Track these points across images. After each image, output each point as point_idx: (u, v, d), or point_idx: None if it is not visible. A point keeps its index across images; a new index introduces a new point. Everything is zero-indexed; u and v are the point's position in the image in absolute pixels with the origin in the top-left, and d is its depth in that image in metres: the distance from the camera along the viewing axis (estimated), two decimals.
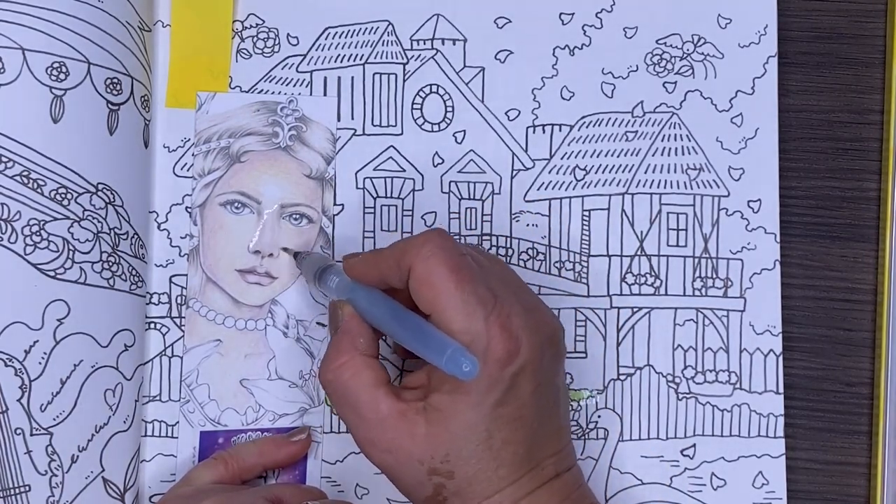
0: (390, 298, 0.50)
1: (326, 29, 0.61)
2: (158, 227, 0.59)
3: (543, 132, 0.61)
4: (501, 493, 0.49)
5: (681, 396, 0.60)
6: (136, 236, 0.57)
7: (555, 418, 0.50)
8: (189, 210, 0.59)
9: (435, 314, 0.48)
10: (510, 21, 0.61)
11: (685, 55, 0.61)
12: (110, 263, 0.56)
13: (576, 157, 0.61)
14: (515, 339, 0.48)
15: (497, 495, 0.48)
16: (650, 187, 0.61)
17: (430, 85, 0.61)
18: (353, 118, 0.60)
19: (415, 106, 0.61)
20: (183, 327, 0.58)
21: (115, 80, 0.56)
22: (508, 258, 0.60)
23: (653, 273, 0.61)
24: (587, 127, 0.61)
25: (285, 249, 0.59)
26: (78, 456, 0.54)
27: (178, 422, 0.58)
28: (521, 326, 0.48)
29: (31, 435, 0.53)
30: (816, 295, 0.61)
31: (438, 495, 0.49)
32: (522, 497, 0.49)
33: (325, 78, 0.60)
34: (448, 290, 0.47)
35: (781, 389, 0.60)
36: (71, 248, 0.54)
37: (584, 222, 0.61)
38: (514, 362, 0.48)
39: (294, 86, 0.60)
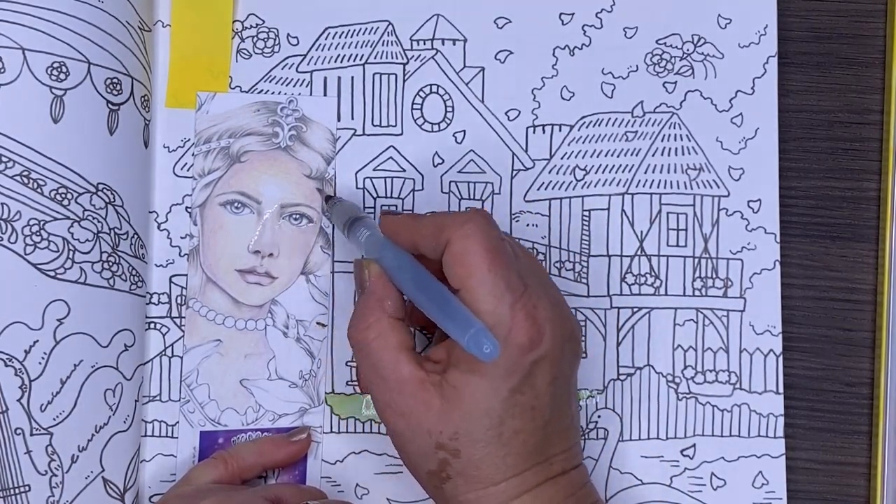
0: (420, 265, 0.50)
1: (326, 29, 0.61)
2: (158, 227, 0.59)
3: (543, 132, 0.61)
4: (507, 483, 0.49)
5: (681, 396, 0.60)
6: (136, 236, 0.57)
7: (567, 415, 0.51)
8: (189, 210, 0.59)
9: (464, 291, 0.48)
10: (510, 21, 0.61)
11: (685, 55, 0.61)
12: (110, 263, 0.56)
13: (576, 157, 0.61)
14: (539, 328, 0.48)
15: (503, 484, 0.48)
16: (650, 187, 0.61)
17: (430, 85, 0.61)
18: (353, 118, 0.60)
19: (415, 106, 0.61)
20: (183, 327, 0.58)
21: (116, 80, 0.56)
22: None
23: (653, 273, 0.61)
24: (587, 127, 0.61)
25: (319, 190, 0.59)
26: (78, 456, 0.54)
27: (178, 422, 0.58)
28: (547, 318, 0.48)
29: (31, 435, 0.53)
30: (816, 295, 0.61)
31: (442, 472, 0.49)
32: (528, 490, 0.49)
33: (325, 78, 0.60)
34: (481, 271, 0.48)
35: (781, 389, 0.60)
36: (71, 248, 0.54)
37: (584, 222, 0.61)
38: (535, 350, 0.48)
39: (294, 86, 0.60)
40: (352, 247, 0.57)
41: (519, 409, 0.48)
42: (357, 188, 0.60)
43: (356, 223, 0.54)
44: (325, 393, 0.59)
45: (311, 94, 0.60)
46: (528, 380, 0.48)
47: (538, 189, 0.61)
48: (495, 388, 0.48)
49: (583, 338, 0.52)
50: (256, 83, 0.60)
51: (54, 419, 0.54)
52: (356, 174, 0.60)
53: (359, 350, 0.51)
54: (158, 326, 0.58)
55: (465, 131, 0.61)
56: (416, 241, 0.51)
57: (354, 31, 0.61)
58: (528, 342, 0.48)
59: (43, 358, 0.53)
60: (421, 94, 0.61)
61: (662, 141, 0.61)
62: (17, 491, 0.53)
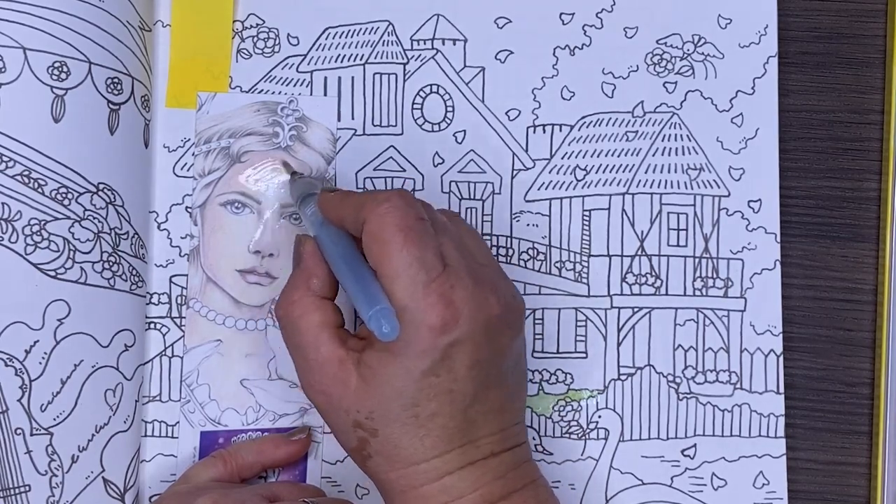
0: (352, 245, 0.50)
1: (326, 29, 0.61)
2: (158, 227, 0.59)
3: (544, 132, 0.61)
4: (428, 464, 0.48)
5: (681, 396, 0.60)
6: (136, 236, 0.57)
7: (496, 397, 0.49)
8: (189, 210, 0.59)
9: (379, 272, 0.48)
10: (510, 21, 0.61)
11: (685, 55, 0.61)
12: (111, 263, 0.56)
13: (576, 157, 0.61)
14: (455, 310, 0.47)
15: (424, 464, 0.48)
16: (650, 187, 0.61)
17: (431, 85, 0.61)
18: (353, 118, 0.60)
19: (415, 106, 0.61)
20: (183, 327, 0.58)
21: (116, 80, 0.56)
22: (508, 258, 0.60)
23: (653, 273, 0.61)
24: (587, 127, 0.61)
25: (285, 164, 0.59)
26: (78, 456, 0.54)
27: (178, 422, 0.58)
28: (465, 299, 0.47)
29: (32, 435, 0.53)
30: (816, 295, 0.61)
31: (363, 450, 0.49)
32: (450, 472, 0.48)
33: (326, 78, 0.60)
34: (394, 251, 0.47)
35: (782, 389, 0.60)
36: (71, 247, 0.54)
37: (585, 222, 0.61)
38: (449, 333, 0.47)
39: (294, 86, 0.60)
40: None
41: (434, 392, 0.47)
42: (357, 188, 0.60)
43: (307, 198, 0.54)
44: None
45: (311, 94, 0.60)
46: (443, 363, 0.47)
47: (538, 189, 0.61)
48: (407, 370, 0.47)
49: (519, 315, 0.51)
50: (257, 83, 0.60)
51: (54, 419, 0.54)
52: (356, 174, 0.60)
53: (283, 326, 0.51)
54: (159, 326, 0.58)
55: (465, 131, 0.61)
56: (341, 218, 0.51)
57: (354, 31, 0.61)
58: (441, 324, 0.47)
59: (43, 358, 0.53)
60: (421, 94, 0.61)
61: (663, 141, 0.61)
62: (17, 491, 0.53)
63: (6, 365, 0.53)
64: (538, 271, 0.60)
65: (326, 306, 0.50)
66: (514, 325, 0.50)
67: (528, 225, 0.61)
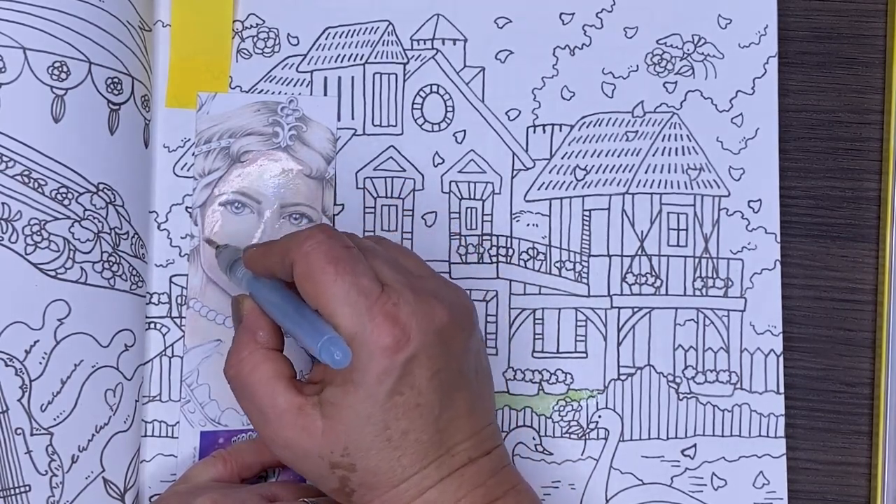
0: (287, 291, 0.50)
1: (326, 29, 0.61)
2: (158, 227, 0.59)
3: (544, 132, 0.61)
4: (408, 482, 0.48)
5: (681, 396, 0.60)
6: (136, 236, 0.57)
7: (462, 402, 0.49)
8: (189, 210, 0.59)
9: (320, 308, 0.47)
10: (510, 21, 0.61)
11: (685, 55, 0.61)
12: (111, 263, 0.56)
13: (576, 157, 0.61)
14: (402, 326, 0.47)
15: (403, 484, 0.48)
16: (650, 187, 0.61)
17: (431, 85, 0.61)
18: (353, 118, 0.60)
19: (415, 106, 0.61)
20: (183, 327, 0.58)
21: (116, 80, 0.56)
22: (508, 258, 0.60)
23: (653, 273, 0.61)
24: (587, 127, 0.61)
25: (209, 241, 0.58)
26: (78, 456, 0.54)
27: (178, 422, 0.58)
28: (410, 313, 0.47)
29: (32, 435, 0.53)
30: (816, 295, 0.61)
31: (345, 487, 0.49)
32: (431, 486, 0.48)
33: (326, 78, 0.60)
34: (328, 283, 0.47)
35: (782, 389, 0.60)
36: (71, 247, 0.54)
37: (585, 222, 0.61)
38: (403, 350, 0.47)
39: (294, 86, 0.60)
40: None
41: (402, 410, 0.47)
42: (357, 188, 0.60)
43: (235, 264, 0.54)
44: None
45: (311, 94, 0.60)
46: (404, 380, 0.47)
47: (538, 189, 0.61)
48: (371, 395, 0.47)
49: (468, 314, 0.50)
50: (257, 83, 0.60)
51: (55, 419, 0.54)
52: (356, 174, 0.60)
53: (235, 386, 0.50)
54: (159, 326, 0.58)
55: (465, 131, 0.61)
56: (270, 269, 0.50)
57: (354, 31, 0.61)
58: (394, 343, 0.46)
59: (43, 358, 0.53)
60: (421, 93, 0.61)
61: (663, 141, 0.61)
62: (17, 491, 0.53)
63: (6, 365, 0.53)
64: (538, 271, 0.60)
65: (276, 357, 0.50)
66: (466, 327, 0.50)
67: (528, 225, 0.61)
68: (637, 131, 0.61)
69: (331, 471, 0.48)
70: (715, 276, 0.61)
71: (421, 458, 0.48)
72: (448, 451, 0.48)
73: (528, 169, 0.61)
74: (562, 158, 0.61)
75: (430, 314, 0.48)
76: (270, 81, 0.60)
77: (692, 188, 0.61)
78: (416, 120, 0.61)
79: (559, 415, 0.60)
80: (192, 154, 0.59)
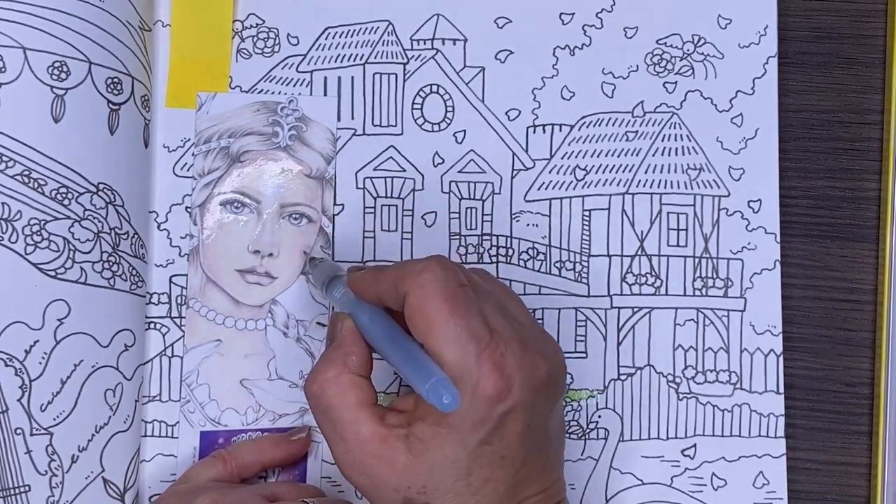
0: (391, 320, 0.50)
1: (326, 29, 0.61)
2: (158, 227, 0.59)
3: (544, 132, 0.61)
4: None
5: (681, 396, 0.60)
6: (136, 236, 0.57)
7: (542, 457, 0.49)
8: (189, 210, 0.59)
9: (427, 344, 0.47)
10: (510, 21, 0.61)
11: (685, 55, 0.62)
12: (111, 263, 0.56)
13: (576, 157, 0.61)
14: (507, 378, 0.46)
15: None
16: (650, 187, 0.61)
17: (431, 85, 0.61)
18: (353, 118, 0.60)
19: (415, 106, 0.61)
20: (183, 327, 0.58)
21: (116, 80, 0.56)
22: (508, 258, 0.60)
23: (653, 273, 0.61)
24: (587, 127, 0.61)
25: (305, 253, 0.59)
26: (78, 456, 0.54)
27: (178, 422, 0.58)
28: (516, 366, 0.47)
29: (32, 435, 0.53)
30: (816, 295, 0.61)
31: None
32: None
33: (326, 78, 0.60)
34: (441, 322, 0.46)
35: (782, 389, 0.60)
36: (71, 247, 0.54)
37: (585, 222, 0.61)
38: (504, 401, 0.46)
39: (294, 86, 0.60)
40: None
41: (487, 459, 0.47)
42: (357, 188, 0.60)
43: (333, 281, 0.54)
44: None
45: (311, 94, 0.60)
46: (497, 431, 0.47)
47: (538, 189, 0.61)
48: (462, 441, 0.46)
49: (562, 372, 0.50)
50: (256, 83, 0.60)
51: (54, 419, 0.54)
52: (356, 174, 0.60)
53: (316, 404, 0.49)
54: (158, 326, 0.58)
55: (465, 131, 0.61)
56: (379, 295, 0.50)
57: (354, 31, 0.61)
58: (497, 393, 0.46)
59: (43, 358, 0.53)
60: (421, 93, 0.61)
61: (663, 141, 0.61)
62: (17, 491, 0.53)
63: (6, 365, 0.53)
64: (538, 271, 0.60)
65: (364, 385, 0.49)
66: (559, 386, 0.50)
67: (528, 225, 0.61)
68: (637, 131, 0.61)
69: None
70: (715, 276, 0.61)
71: None
72: (520, 502, 0.48)
73: (528, 169, 0.61)
74: (562, 158, 0.61)
75: (532, 370, 0.47)
76: (270, 81, 0.60)
77: (692, 188, 0.61)
78: (416, 120, 0.61)
79: None
80: (192, 154, 0.59)
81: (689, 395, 0.60)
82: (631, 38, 0.62)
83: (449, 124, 0.61)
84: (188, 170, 0.59)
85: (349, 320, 0.51)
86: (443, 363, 0.46)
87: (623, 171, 0.61)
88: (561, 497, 0.51)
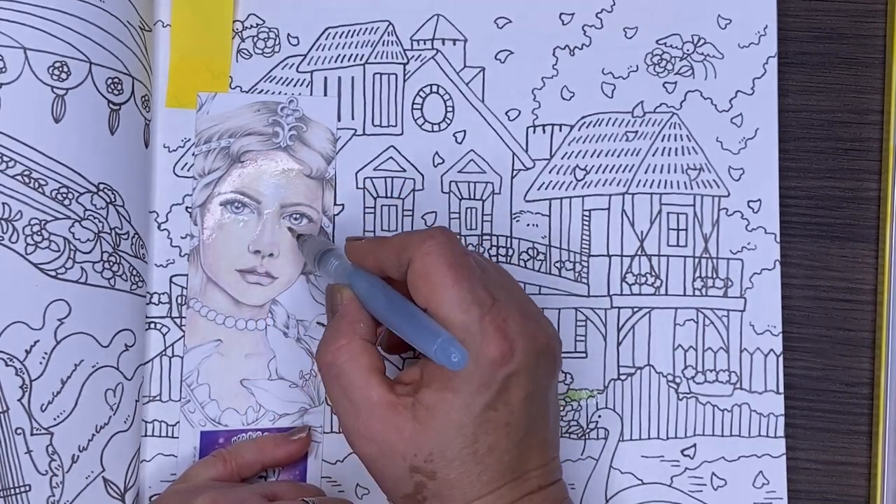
0: (389, 286, 0.50)
1: (327, 29, 0.61)
2: (159, 227, 0.59)
3: (543, 132, 0.61)
4: (482, 500, 0.48)
5: (681, 396, 0.60)
6: (136, 236, 0.57)
7: (543, 430, 0.50)
8: (189, 210, 0.59)
9: (431, 309, 0.48)
10: (510, 21, 0.61)
11: (685, 55, 0.62)
12: (111, 263, 0.56)
13: (576, 157, 0.61)
14: (510, 341, 0.47)
15: (477, 501, 0.48)
16: (650, 187, 0.61)
17: (431, 85, 0.61)
18: (353, 118, 0.60)
19: (415, 106, 0.61)
20: (183, 327, 0.58)
21: (117, 80, 0.56)
22: (508, 258, 0.60)
23: (653, 273, 0.61)
24: (587, 127, 0.61)
25: (290, 229, 0.59)
26: (78, 456, 0.54)
27: (178, 422, 0.58)
28: (518, 331, 0.48)
29: (32, 435, 0.53)
30: (816, 295, 0.61)
31: (418, 494, 0.48)
32: None
33: (326, 78, 0.61)
34: (445, 286, 0.47)
35: (782, 389, 0.60)
36: (72, 247, 0.54)
37: (585, 222, 0.61)
38: (507, 364, 0.47)
39: (294, 86, 0.60)
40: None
41: (493, 426, 0.47)
42: (357, 188, 0.60)
43: (325, 255, 0.54)
44: (326, 393, 0.59)
45: (311, 94, 0.60)
46: (501, 395, 0.47)
47: (538, 189, 0.61)
48: (468, 405, 0.47)
49: (560, 348, 0.51)
50: (257, 83, 0.60)
51: (55, 419, 0.54)
52: (356, 174, 0.60)
53: (328, 372, 0.50)
54: (159, 326, 0.58)
55: (465, 131, 0.61)
56: (380, 263, 0.50)
57: (354, 31, 0.61)
58: (500, 356, 0.47)
59: (44, 358, 0.53)
60: (421, 94, 0.61)
61: (662, 141, 0.61)
62: (17, 491, 0.53)
63: (7, 365, 0.53)
64: (538, 271, 0.60)
65: (373, 351, 0.50)
66: (557, 358, 0.51)
67: (528, 225, 0.61)
68: (637, 131, 0.61)
69: (409, 474, 0.48)
70: (715, 276, 0.61)
71: (499, 478, 0.48)
72: (522, 475, 0.49)
73: (528, 169, 0.61)
74: (562, 158, 0.61)
75: (534, 335, 0.48)
76: (270, 81, 0.60)
77: (692, 188, 0.61)
78: (416, 120, 0.61)
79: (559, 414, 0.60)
80: (192, 154, 0.59)
81: (688, 395, 0.60)
82: (631, 38, 0.62)
83: (449, 124, 0.61)
84: (188, 170, 0.59)
85: (347, 290, 0.51)
86: (448, 326, 0.47)
87: (623, 171, 0.61)
88: (558, 477, 0.51)
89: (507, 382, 0.47)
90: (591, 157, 0.61)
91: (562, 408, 0.60)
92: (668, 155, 0.61)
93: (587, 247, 0.61)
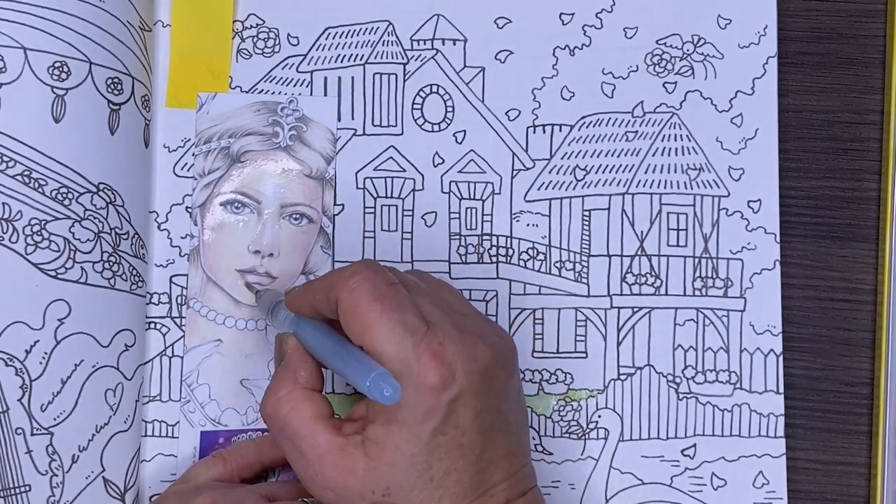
0: (331, 330, 0.50)
1: (327, 29, 0.61)
2: (159, 227, 0.59)
3: (543, 132, 0.61)
4: None
5: (681, 396, 0.60)
6: (136, 236, 0.57)
7: (503, 442, 0.49)
8: (189, 210, 0.59)
9: (365, 344, 0.47)
10: (510, 21, 0.61)
11: (685, 55, 0.62)
12: (111, 263, 0.56)
13: (576, 157, 0.61)
14: (448, 365, 0.47)
15: None
16: (650, 187, 0.61)
17: (431, 85, 0.61)
18: (353, 118, 0.60)
19: (415, 106, 0.61)
20: (183, 327, 0.58)
21: (117, 80, 0.56)
22: (508, 258, 0.60)
23: (653, 273, 0.61)
24: (587, 127, 0.61)
25: (248, 286, 0.59)
26: (78, 456, 0.54)
27: (178, 422, 0.58)
28: (456, 353, 0.47)
29: (32, 435, 0.53)
30: (816, 295, 0.61)
31: None
32: None
33: (326, 78, 0.61)
34: (374, 320, 0.47)
35: (782, 389, 0.60)
36: (72, 247, 0.54)
37: (585, 222, 0.61)
38: (449, 388, 0.46)
39: (294, 86, 0.60)
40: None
41: (444, 450, 0.47)
42: (357, 188, 0.60)
43: (276, 306, 0.54)
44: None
45: (311, 94, 0.60)
46: (449, 419, 0.47)
47: (538, 189, 0.61)
48: (415, 435, 0.47)
49: (511, 356, 0.50)
50: (257, 83, 0.60)
51: (55, 419, 0.54)
52: (356, 174, 0.60)
53: (272, 424, 0.50)
54: (159, 326, 0.58)
55: (465, 131, 0.61)
56: (313, 306, 0.50)
57: (354, 31, 0.61)
58: (440, 382, 0.46)
59: (44, 358, 0.53)
60: (421, 94, 0.61)
61: (662, 141, 0.61)
62: (17, 491, 0.53)
63: (6, 365, 0.53)
64: (538, 271, 0.60)
65: (316, 398, 0.50)
66: (508, 367, 0.50)
67: (528, 225, 0.61)
68: (637, 131, 0.61)
69: None
70: (715, 276, 0.61)
71: (461, 499, 0.47)
72: (486, 491, 0.48)
73: (528, 169, 0.61)
74: (562, 158, 0.61)
75: (474, 354, 0.48)
76: (270, 81, 0.60)
77: (692, 188, 0.61)
78: (416, 120, 0.61)
79: (559, 415, 0.60)
80: (192, 154, 0.59)
81: (688, 395, 0.60)
82: (631, 38, 0.62)
83: (449, 124, 0.61)
84: (188, 170, 0.59)
85: (292, 338, 0.52)
86: (382, 360, 0.47)
87: (623, 171, 0.61)
88: (531, 484, 0.51)
89: (453, 406, 0.47)
90: (591, 157, 0.61)
91: (562, 408, 0.60)
92: (668, 155, 0.61)
93: (587, 247, 0.61)
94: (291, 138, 0.60)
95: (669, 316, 0.60)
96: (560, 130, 0.61)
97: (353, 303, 0.48)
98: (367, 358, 0.47)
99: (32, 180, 0.53)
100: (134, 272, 0.57)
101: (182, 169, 0.59)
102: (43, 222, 0.54)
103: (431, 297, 0.50)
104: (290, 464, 0.50)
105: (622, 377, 0.60)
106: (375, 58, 0.61)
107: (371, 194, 0.60)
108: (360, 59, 0.61)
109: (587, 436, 0.60)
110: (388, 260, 0.60)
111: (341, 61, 0.61)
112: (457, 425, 0.47)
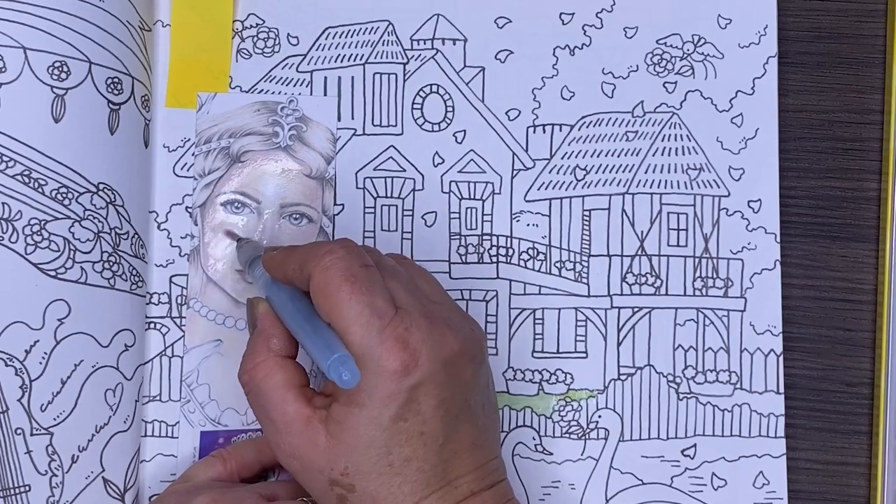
0: (303, 301, 0.50)
1: (326, 29, 0.61)
2: (158, 227, 0.59)
3: (544, 132, 0.61)
4: None
5: (681, 396, 0.60)
6: (136, 236, 0.57)
7: (468, 434, 0.49)
8: (189, 210, 0.59)
9: (333, 323, 0.47)
10: (510, 21, 0.61)
11: (685, 55, 0.62)
12: (111, 263, 0.56)
13: (576, 156, 0.61)
14: (412, 351, 0.46)
15: None
16: (650, 187, 0.61)
17: (431, 85, 0.61)
18: (353, 118, 0.60)
19: (415, 106, 0.61)
20: (183, 327, 0.58)
21: (116, 80, 0.56)
22: (508, 258, 0.60)
23: (653, 273, 0.61)
24: (587, 127, 0.61)
25: (229, 233, 0.58)
26: (78, 456, 0.54)
27: (178, 422, 0.58)
28: (421, 339, 0.47)
29: (32, 435, 0.53)
30: (816, 295, 0.61)
31: None
32: None
33: (326, 78, 0.61)
34: (343, 301, 0.47)
35: (782, 389, 0.60)
36: (72, 247, 0.54)
37: (585, 222, 0.61)
38: (410, 375, 0.46)
39: (294, 86, 0.60)
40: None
41: (405, 437, 0.47)
42: (357, 188, 0.60)
43: (255, 262, 0.54)
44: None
45: (311, 94, 0.60)
46: (410, 406, 0.47)
47: (538, 189, 0.61)
48: (374, 418, 0.47)
49: (479, 349, 0.50)
50: (257, 83, 0.60)
51: (55, 419, 0.54)
52: (356, 174, 0.60)
53: (248, 391, 0.50)
54: (158, 326, 0.58)
55: (465, 131, 0.61)
56: (288, 276, 0.50)
57: (354, 31, 0.61)
58: (402, 367, 0.46)
59: (43, 358, 0.53)
60: (421, 93, 0.61)
61: (663, 141, 0.61)
62: (17, 491, 0.53)
63: (6, 365, 0.53)
64: (538, 271, 0.60)
65: (289, 365, 0.50)
66: (476, 359, 0.50)
67: (528, 225, 0.61)
68: (637, 131, 0.61)
69: (329, 488, 0.48)
70: (715, 276, 0.61)
71: (422, 488, 0.47)
72: (450, 482, 0.48)
73: (528, 169, 0.61)
74: (562, 158, 0.61)
75: (440, 342, 0.48)
76: (270, 81, 0.60)
77: (692, 188, 0.61)
78: (416, 120, 0.61)
79: (559, 415, 0.60)
80: (192, 154, 0.59)
81: (689, 395, 0.60)
82: (631, 38, 0.62)
83: (449, 124, 0.61)
84: (188, 170, 0.59)
85: (263, 303, 0.52)
86: (347, 342, 0.47)
87: (623, 171, 0.61)
88: (499, 478, 0.50)
89: (415, 393, 0.47)
90: (591, 157, 0.61)
91: (562, 408, 0.60)
92: (669, 155, 0.61)
93: (587, 247, 0.61)
94: (291, 138, 0.60)
95: (670, 316, 0.60)
96: (560, 130, 0.61)
97: (325, 282, 0.47)
98: (332, 337, 0.47)
99: (32, 180, 0.53)
100: (134, 272, 0.57)
101: (182, 169, 0.59)
102: (43, 222, 0.54)
103: (406, 282, 0.50)
104: (263, 431, 0.50)
105: (622, 377, 0.60)
106: (375, 58, 0.61)
107: (371, 194, 0.60)
108: (360, 59, 0.61)
109: (587, 436, 0.60)
110: None
111: (341, 61, 0.61)
112: (418, 413, 0.47)
